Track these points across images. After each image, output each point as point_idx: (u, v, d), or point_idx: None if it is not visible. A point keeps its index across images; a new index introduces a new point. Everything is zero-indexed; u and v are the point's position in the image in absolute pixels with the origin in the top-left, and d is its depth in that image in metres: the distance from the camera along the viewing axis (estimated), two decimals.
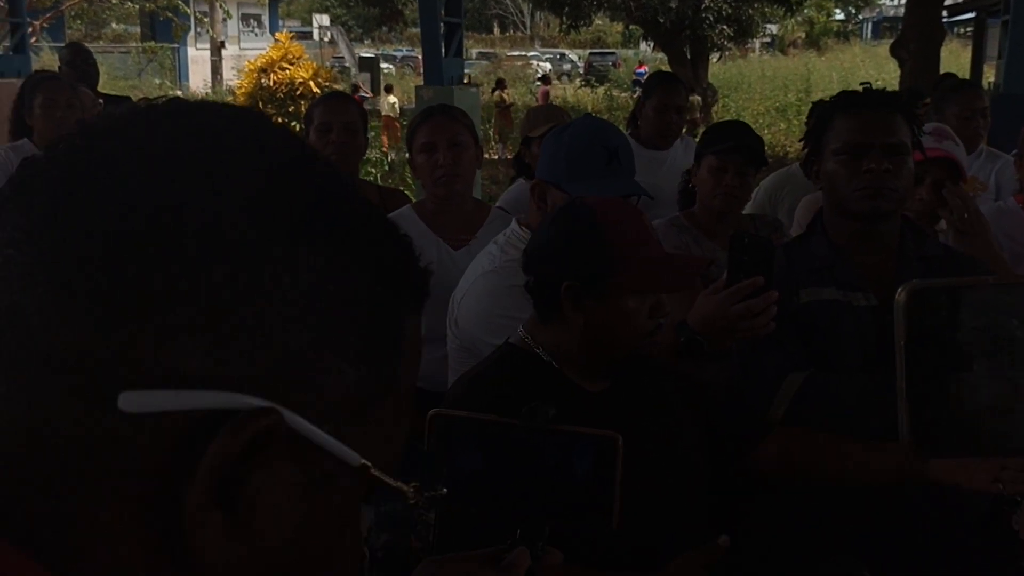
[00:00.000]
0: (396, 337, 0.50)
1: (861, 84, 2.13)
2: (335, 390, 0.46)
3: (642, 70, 27.67)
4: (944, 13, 13.20)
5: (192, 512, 0.43)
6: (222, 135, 0.46)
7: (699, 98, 15.69)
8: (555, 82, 31.20)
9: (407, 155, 2.96)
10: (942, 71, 8.90)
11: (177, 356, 0.42)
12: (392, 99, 15.99)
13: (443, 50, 9.22)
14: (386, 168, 13.03)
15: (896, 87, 8.89)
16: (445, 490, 2.83)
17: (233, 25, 30.35)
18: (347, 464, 0.48)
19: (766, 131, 15.74)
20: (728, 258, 1.84)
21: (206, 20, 27.48)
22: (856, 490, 1.86)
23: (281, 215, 0.45)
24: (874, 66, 22.65)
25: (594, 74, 30.72)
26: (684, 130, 4.05)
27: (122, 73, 25.47)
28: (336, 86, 16.29)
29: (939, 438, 1.52)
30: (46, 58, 19.23)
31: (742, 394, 2.01)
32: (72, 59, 5.37)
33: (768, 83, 23.13)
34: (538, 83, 28.76)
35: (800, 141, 2.30)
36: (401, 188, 3.54)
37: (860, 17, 43.88)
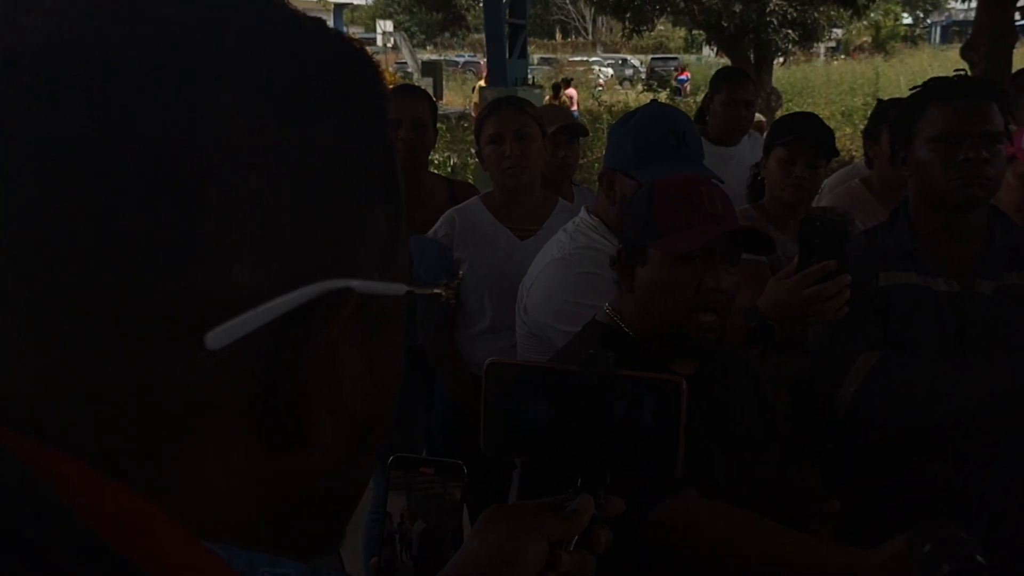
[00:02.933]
0: (393, 161, 0.50)
1: (955, 71, 2.09)
2: (375, 238, 0.48)
3: (684, 76, 27.54)
4: (1016, 15, 12.90)
5: (303, 406, 0.44)
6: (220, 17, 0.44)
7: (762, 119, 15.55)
8: (616, 87, 31.16)
9: (475, 149, 2.96)
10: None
11: (241, 276, 0.41)
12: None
13: (507, 51, 9.24)
14: (449, 170, 13.10)
15: None
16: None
17: None
18: (395, 298, 0.49)
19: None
20: (800, 241, 1.80)
21: None
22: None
23: (290, 99, 0.44)
24: (943, 70, 22.07)
25: (656, 79, 30.62)
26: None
27: None
28: None
29: None
30: None
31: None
32: None
33: (834, 87, 22.84)
34: (599, 88, 28.75)
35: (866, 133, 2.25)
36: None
37: (928, 21, 43.14)
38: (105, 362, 0.40)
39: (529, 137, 2.72)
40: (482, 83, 16.75)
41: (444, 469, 1.04)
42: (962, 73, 2.07)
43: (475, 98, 16.33)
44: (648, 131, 2.18)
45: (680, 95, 22.74)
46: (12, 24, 0.41)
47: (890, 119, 2.78)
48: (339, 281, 0.44)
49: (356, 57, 0.49)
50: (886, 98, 3.60)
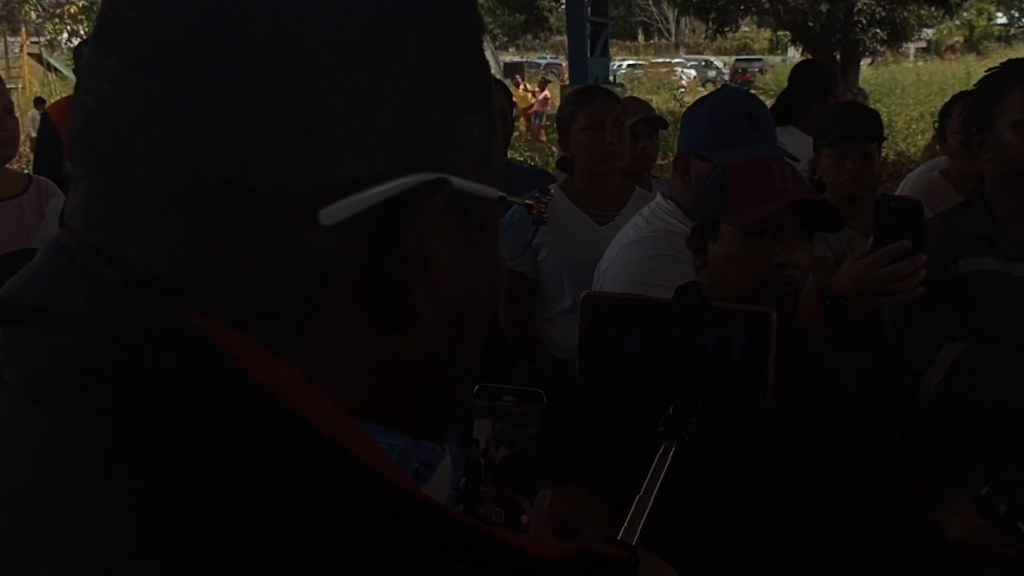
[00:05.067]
0: (486, 73, 0.55)
1: None
2: (469, 141, 0.52)
3: (744, 79, 27.24)
4: None
5: (403, 284, 0.49)
6: None
7: None
8: (699, 88, 30.87)
9: (558, 137, 3.01)
10: None
11: (349, 163, 0.46)
12: None
13: (589, 50, 9.26)
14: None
15: None
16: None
17: None
18: (490, 201, 0.54)
19: (920, 136, 15.16)
20: (876, 221, 1.80)
21: None
22: None
23: (388, 10, 0.49)
24: None
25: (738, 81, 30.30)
26: None
27: None
28: None
29: None
30: None
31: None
32: None
33: (924, 88, 22.33)
34: (682, 90, 28.54)
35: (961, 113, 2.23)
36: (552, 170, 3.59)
37: (1023, 21, 41.87)
38: (239, 239, 0.46)
39: (624, 126, 2.82)
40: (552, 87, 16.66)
41: (526, 397, 1.09)
42: None
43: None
44: (722, 114, 2.21)
45: None
46: None
47: (961, 107, 2.75)
48: (435, 174, 0.49)
49: None
50: None
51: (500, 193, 0.55)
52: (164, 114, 0.45)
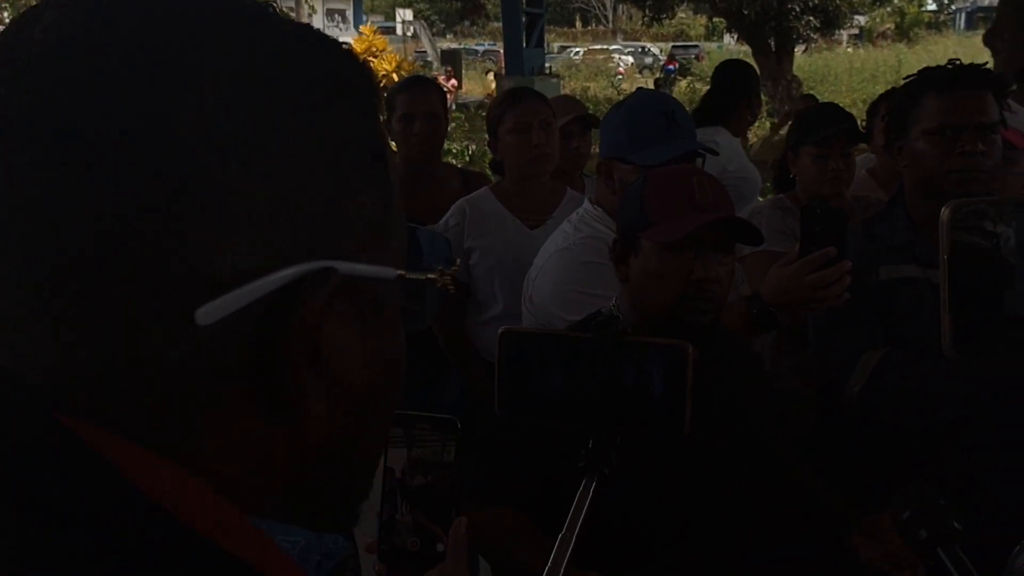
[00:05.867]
0: (381, 149, 0.53)
1: (949, 61, 2.09)
2: (361, 223, 0.51)
3: (671, 66, 27.45)
4: None
5: (291, 376, 0.47)
6: (191, 18, 0.48)
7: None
8: (636, 76, 31.04)
9: (487, 138, 2.99)
10: None
11: (227, 258, 0.45)
12: None
13: (524, 40, 9.25)
14: (467, 160, 13.12)
15: None
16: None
17: (318, 20, 30.85)
18: (388, 281, 0.53)
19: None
20: (801, 229, 1.83)
21: (291, 15, 27.87)
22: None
23: (267, 87, 0.47)
24: (967, 57, 21.80)
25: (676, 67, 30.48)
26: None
27: None
28: None
29: (979, 343, 1.60)
30: None
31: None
32: None
33: (856, 75, 22.68)
34: (619, 77, 28.66)
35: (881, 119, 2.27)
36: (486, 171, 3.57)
37: (953, 7, 42.71)
38: (116, 337, 0.44)
39: (552, 127, 2.80)
40: (490, 76, 16.75)
41: (440, 425, 1.08)
42: (957, 62, 2.07)
43: (492, 87, 16.32)
44: (638, 115, 2.23)
45: (666, 85, 22.05)
46: (21, 38, 0.46)
47: (884, 110, 2.80)
48: (321, 262, 0.47)
49: (341, 58, 0.52)
50: None
51: (398, 271, 0.53)
52: (32, 204, 0.43)
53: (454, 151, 13.11)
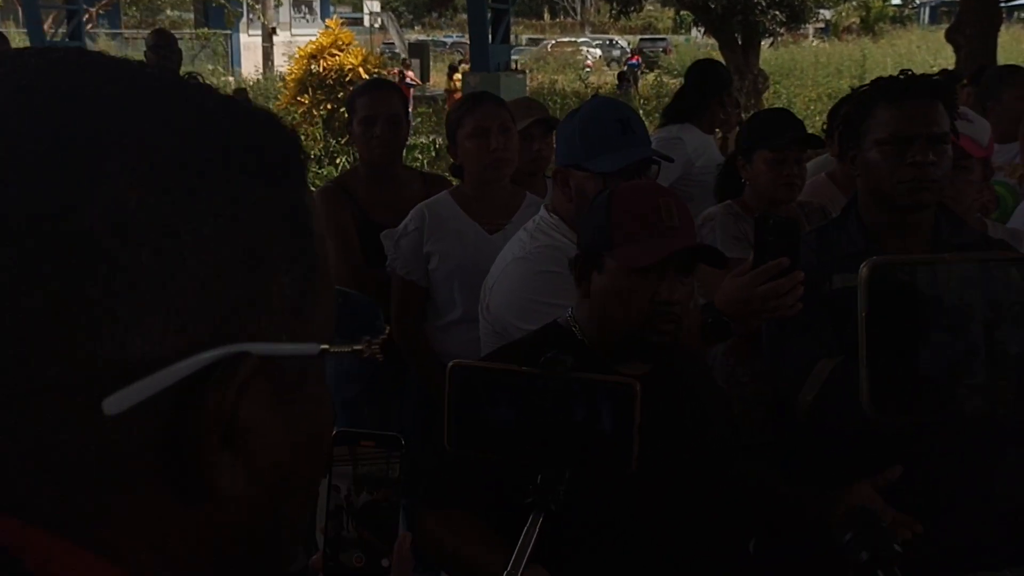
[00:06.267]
0: (304, 222, 0.52)
1: (900, 72, 2.11)
2: (280, 301, 0.50)
3: (635, 61, 27.51)
4: None
5: (206, 460, 0.47)
6: (102, 102, 0.47)
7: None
8: (604, 68, 31.07)
9: (447, 142, 2.99)
10: (999, 56, 8.71)
11: (135, 345, 0.44)
12: None
13: (490, 36, 9.23)
14: (433, 154, 13.09)
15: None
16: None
17: (285, 12, 30.61)
18: (309, 357, 0.52)
19: (818, 117, 15.51)
20: (755, 239, 1.84)
21: (258, 7, 27.74)
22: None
23: (180, 172, 0.46)
24: (930, 51, 22.18)
25: (644, 60, 30.55)
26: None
27: None
28: (385, 72, 16.32)
29: (896, 402, 1.61)
30: (103, 44, 19.51)
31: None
32: (156, 44, 5.84)
33: (821, 69, 22.80)
34: (587, 70, 28.67)
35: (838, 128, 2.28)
36: (446, 174, 3.57)
37: (918, 1, 43.08)
38: (24, 426, 0.43)
39: (511, 132, 2.80)
40: (458, 74, 16.75)
41: (383, 441, 1.08)
42: (908, 72, 2.09)
43: (458, 84, 16.28)
44: (594, 122, 2.25)
45: (627, 83, 21.80)
46: None
47: (839, 118, 2.82)
48: (234, 346, 0.46)
49: (265, 131, 0.52)
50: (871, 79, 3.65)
51: (321, 347, 0.52)
52: None
53: (421, 144, 13.07)
